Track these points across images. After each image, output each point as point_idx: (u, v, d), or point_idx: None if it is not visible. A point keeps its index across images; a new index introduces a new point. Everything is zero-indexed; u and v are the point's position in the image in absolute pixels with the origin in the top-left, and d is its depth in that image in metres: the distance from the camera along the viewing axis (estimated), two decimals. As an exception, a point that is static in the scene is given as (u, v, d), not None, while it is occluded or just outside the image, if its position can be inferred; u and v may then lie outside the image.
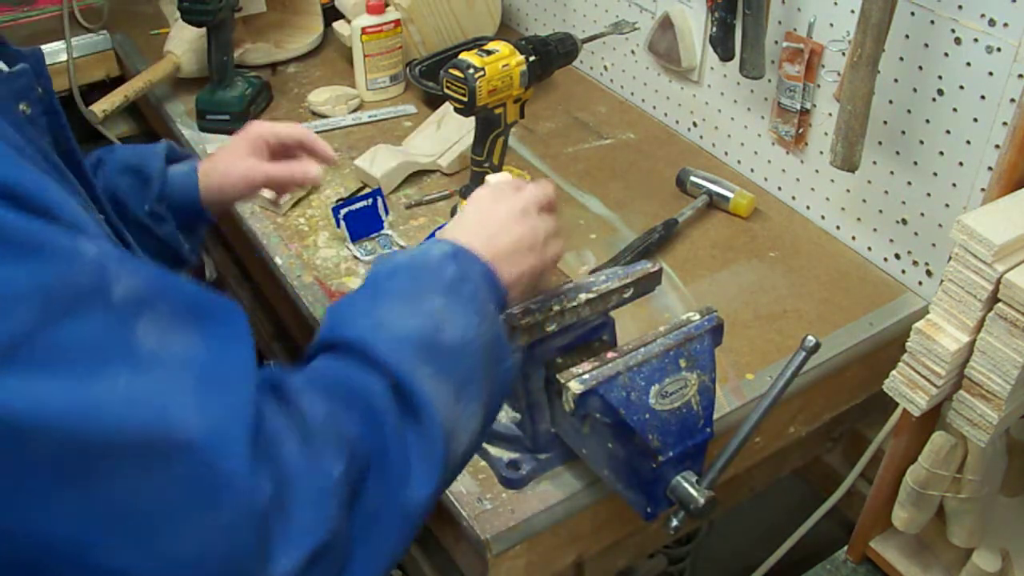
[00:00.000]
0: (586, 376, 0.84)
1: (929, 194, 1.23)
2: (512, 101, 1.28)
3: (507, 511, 0.99)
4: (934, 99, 1.17)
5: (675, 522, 0.90)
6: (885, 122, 1.25)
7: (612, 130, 1.63)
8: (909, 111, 1.21)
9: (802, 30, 1.30)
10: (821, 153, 1.36)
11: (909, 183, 1.25)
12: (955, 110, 1.15)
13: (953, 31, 1.12)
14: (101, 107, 1.64)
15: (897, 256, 1.31)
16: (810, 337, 0.88)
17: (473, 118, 1.30)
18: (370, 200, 1.35)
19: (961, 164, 1.17)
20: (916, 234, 1.27)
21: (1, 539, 0.50)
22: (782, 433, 1.19)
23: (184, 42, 1.68)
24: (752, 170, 1.49)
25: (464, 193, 1.37)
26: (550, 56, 1.30)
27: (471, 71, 1.22)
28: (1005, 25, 1.06)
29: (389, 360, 0.67)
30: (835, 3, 1.25)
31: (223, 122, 1.58)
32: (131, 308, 0.54)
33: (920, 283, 1.28)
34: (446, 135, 1.54)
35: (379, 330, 0.69)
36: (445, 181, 1.49)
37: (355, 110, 1.67)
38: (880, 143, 1.26)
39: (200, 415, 0.54)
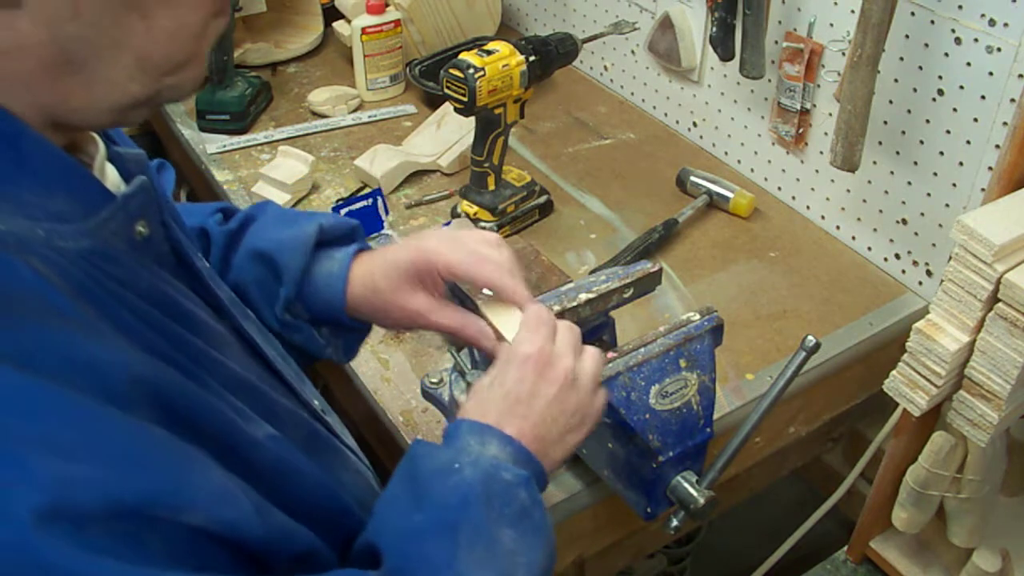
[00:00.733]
0: (586, 376, 0.84)
1: (929, 194, 1.23)
2: (512, 101, 1.28)
3: (507, 511, 0.98)
4: (934, 99, 1.17)
5: (675, 522, 0.90)
6: (885, 122, 1.25)
7: (612, 130, 1.63)
8: (909, 111, 1.21)
9: (802, 30, 1.30)
10: (821, 153, 1.36)
11: (909, 183, 1.25)
12: (955, 110, 1.15)
13: (953, 31, 1.12)
14: (101, 107, 1.64)
15: (897, 256, 1.31)
16: (810, 337, 0.87)
17: (473, 118, 1.30)
18: (370, 200, 1.35)
19: (961, 164, 1.17)
20: (916, 234, 1.27)
21: None
22: (782, 433, 1.19)
23: (184, 42, 1.68)
24: (752, 170, 1.49)
25: (464, 193, 1.37)
26: (550, 56, 1.30)
27: (471, 71, 1.22)
28: (1005, 25, 1.06)
29: None
30: (835, 3, 1.25)
31: (223, 122, 1.58)
32: None
33: (920, 283, 1.28)
34: (446, 135, 1.54)
35: None
36: (445, 181, 1.50)
37: (355, 110, 1.67)
38: (880, 143, 1.26)
39: None
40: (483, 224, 1.34)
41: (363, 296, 0.84)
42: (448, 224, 1.33)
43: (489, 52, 1.24)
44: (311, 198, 1.45)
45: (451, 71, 1.23)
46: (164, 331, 0.59)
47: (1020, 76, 1.07)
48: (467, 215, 1.35)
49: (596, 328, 0.96)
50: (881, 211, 1.30)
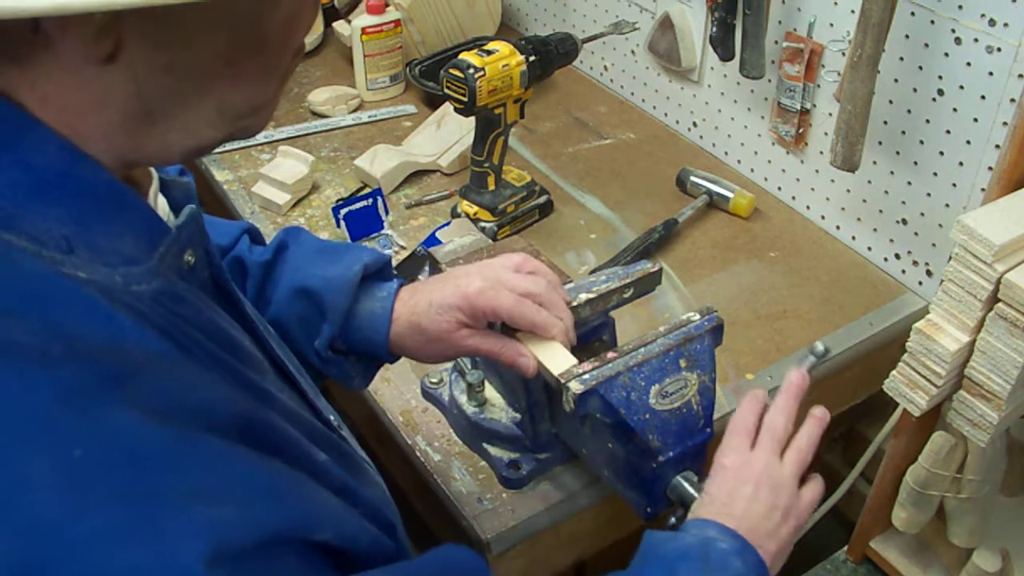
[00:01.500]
0: (586, 376, 0.84)
1: (929, 194, 1.23)
2: (512, 101, 1.28)
3: (507, 511, 0.99)
4: (934, 99, 1.17)
5: (675, 522, 0.90)
6: (885, 122, 1.25)
7: (612, 130, 1.63)
8: (909, 111, 1.21)
9: (802, 30, 1.30)
10: (821, 153, 1.36)
11: (909, 183, 1.25)
12: (955, 110, 1.15)
13: (953, 31, 1.12)
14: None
15: (897, 256, 1.31)
16: (819, 344, 0.90)
17: (473, 118, 1.30)
18: (370, 200, 1.35)
19: (961, 164, 1.17)
20: (916, 234, 1.27)
21: None
22: (782, 433, 1.19)
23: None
24: (752, 170, 1.49)
25: (464, 193, 1.37)
26: (550, 56, 1.30)
27: (471, 71, 1.22)
28: (1005, 25, 1.06)
29: None
30: (835, 3, 1.25)
31: (223, 122, 1.58)
32: None
33: (920, 283, 1.28)
34: (446, 135, 1.54)
35: None
36: (445, 181, 1.50)
37: (355, 110, 1.67)
38: (880, 143, 1.26)
39: None
40: (483, 224, 1.34)
41: (406, 334, 0.86)
42: (448, 224, 1.33)
43: (489, 52, 1.24)
44: (311, 198, 1.45)
45: (451, 71, 1.23)
46: (226, 365, 0.59)
47: (1020, 76, 1.07)
48: (467, 215, 1.35)
49: (596, 328, 0.96)
50: (881, 211, 1.30)
